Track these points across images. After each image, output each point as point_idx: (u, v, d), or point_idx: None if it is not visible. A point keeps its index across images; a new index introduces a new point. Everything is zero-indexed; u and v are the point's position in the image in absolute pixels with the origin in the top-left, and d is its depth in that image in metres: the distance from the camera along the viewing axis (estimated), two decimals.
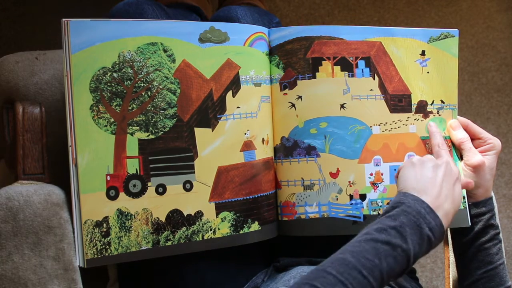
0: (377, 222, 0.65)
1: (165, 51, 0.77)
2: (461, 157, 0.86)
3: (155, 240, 0.76)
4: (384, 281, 0.60)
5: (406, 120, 0.85)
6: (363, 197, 0.84)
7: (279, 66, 0.84)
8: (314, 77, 0.83)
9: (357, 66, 0.84)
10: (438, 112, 0.87)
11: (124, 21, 0.76)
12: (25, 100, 0.82)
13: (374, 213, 0.83)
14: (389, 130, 0.85)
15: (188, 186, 0.78)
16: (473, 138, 0.85)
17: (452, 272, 0.89)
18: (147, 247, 0.76)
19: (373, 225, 0.65)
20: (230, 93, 0.81)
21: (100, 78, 0.74)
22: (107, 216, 0.74)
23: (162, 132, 0.77)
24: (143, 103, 0.77)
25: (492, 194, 0.85)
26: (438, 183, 0.69)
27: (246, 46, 0.82)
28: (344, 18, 1.74)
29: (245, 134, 0.81)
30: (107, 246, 0.74)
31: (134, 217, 0.75)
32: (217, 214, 0.79)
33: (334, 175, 0.83)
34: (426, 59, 0.86)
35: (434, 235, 0.65)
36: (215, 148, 0.80)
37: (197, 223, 0.78)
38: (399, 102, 0.85)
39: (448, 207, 0.68)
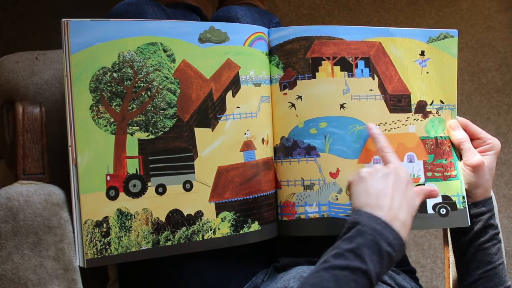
0: (334, 247, 0.64)
1: (165, 51, 0.77)
2: (460, 157, 0.86)
3: (155, 240, 0.76)
4: None
5: (406, 120, 0.85)
6: None
7: (279, 66, 0.84)
8: (314, 77, 0.83)
9: (356, 66, 0.84)
10: (437, 112, 0.87)
11: (124, 21, 0.76)
12: (25, 100, 0.82)
13: None
14: (389, 130, 0.85)
15: (188, 186, 0.78)
16: (473, 138, 0.85)
17: (452, 272, 0.89)
18: (147, 247, 0.76)
19: (331, 250, 0.64)
20: (230, 93, 0.81)
21: (100, 78, 0.74)
22: (107, 216, 0.74)
23: (162, 132, 0.77)
24: (143, 103, 0.77)
25: (492, 194, 0.86)
26: (390, 194, 0.68)
27: (246, 46, 0.82)
28: (344, 18, 1.74)
29: (245, 134, 0.81)
30: (107, 246, 0.74)
31: (134, 217, 0.75)
32: (217, 214, 0.79)
33: (334, 175, 0.83)
34: (426, 59, 0.86)
35: (394, 249, 0.64)
36: (215, 148, 0.80)
37: (197, 223, 0.78)
38: (398, 102, 0.86)
39: (404, 216, 0.67)
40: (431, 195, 0.76)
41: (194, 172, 0.78)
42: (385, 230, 0.64)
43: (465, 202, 0.84)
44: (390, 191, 0.68)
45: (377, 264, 0.62)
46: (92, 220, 0.73)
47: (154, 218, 0.76)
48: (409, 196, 0.70)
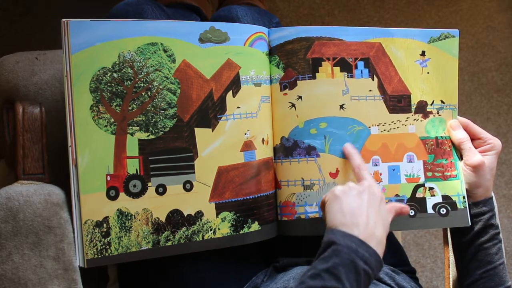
0: (311, 268, 0.64)
1: (165, 51, 0.77)
2: (461, 157, 0.86)
3: (155, 240, 0.76)
4: None
5: (406, 121, 0.85)
6: None
7: (279, 66, 0.84)
8: (314, 77, 0.83)
9: (356, 67, 0.84)
10: (438, 112, 0.87)
11: (124, 21, 0.76)
12: (25, 100, 0.82)
13: None
14: (388, 131, 0.85)
15: (188, 186, 0.78)
16: (473, 138, 0.85)
17: (452, 272, 0.89)
18: (147, 247, 0.76)
19: (308, 271, 0.64)
20: (230, 93, 0.81)
21: (100, 78, 0.74)
22: (107, 216, 0.74)
23: (162, 132, 0.77)
24: (143, 103, 0.77)
25: (492, 194, 0.85)
26: (365, 211, 0.68)
27: (246, 46, 0.82)
28: (344, 18, 1.74)
29: (245, 134, 0.81)
30: (107, 246, 0.74)
31: (134, 217, 0.75)
32: (217, 214, 0.79)
33: (333, 175, 0.83)
34: (426, 60, 0.86)
35: (370, 267, 0.64)
36: (215, 148, 0.80)
37: (197, 223, 0.78)
38: (398, 102, 0.86)
39: (380, 233, 0.68)
40: (402, 212, 0.76)
41: (194, 172, 0.78)
42: (360, 248, 0.64)
43: (465, 202, 0.84)
44: (365, 208, 0.68)
45: (354, 282, 0.62)
46: (92, 220, 0.73)
47: (154, 218, 0.76)
48: (383, 213, 0.71)
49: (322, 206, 0.74)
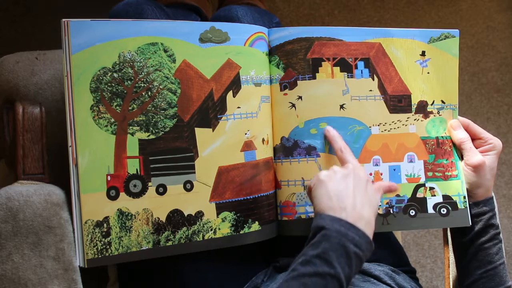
0: (302, 254, 0.64)
1: (165, 51, 0.77)
2: (461, 157, 0.86)
3: (155, 240, 0.76)
4: None
5: (406, 121, 0.85)
6: None
7: (279, 66, 0.84)
8: (314, 77, 0.83)
9: (356, 67, 0.84)
10: (438, 112, 0.87)
11: (124, 21, 0.76)
12: (25, 100, 0.82)
13: None
14: (388, 131, 0.85)
15: (188, 186, 0.78)
16: (474, 138, 0.85)
17: (452, 272, 0.89)
18: (147, 247, 0.76)
19: (298, 258, 0.64)
20: (230, 93, 0.81)
21: (101, 78, 0.74)
22: (108, 216, 0.74)
23: (162, 132, 0.77)
24: (144, 103, 0.77)
25: (493, 194, 0.85)
26: (351, 194, 0.68)
27: (246, 46, 0.82)
28: (344, 18, 1.74)
29: (246, 134, 0.81)
30: (108, 246, 0.74)
31: (135, 217, 0.75)
32: (217, 214, 0.79)
33: None
34: (426, 60, 0.86)
35: (361, 249, 0.64)
36: (216, 148, 0.80)
37: (198, 223, 0.78)
38: (398, 102, 0.86)
39: (368, 214, 0.67)
40: (390, 189, 0.77)
41: (194, 172, 0.78)
42: (350, 231, 0.64)
43: (466, 201, 0.84)
44: (351, 191, 0.68)
45: (345, 266, 0.62)
46: (93, 220, 0.73)
47: (155, 218, 0.76)
48: (370, 194, 0.70)
49: (309, 192, 0.73)
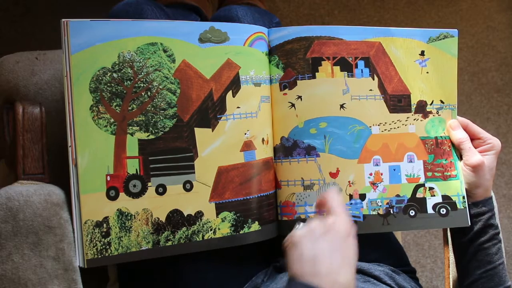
0: None
1: (165, 51, 0.77)
2: (460, 157, 0.86)
3: (155, 240, 0.76)
4: None
5: (406, 120, 0.85)
6: (362, 197, 0.84)
7: (278, 66, 0.84)
8: (314, 77, 0.83)
9: (356, 66, 0.84)
10: (437, 112, 0.87)
11: (123, 21, 0.76)
12: (25, 100, 0.82)
13: (374, 212, 0.84)
14: (389, 130, 0.85)
15: (188, 186, 0.78)
16: (473, 138, 0.85)
17: (452, 272, 0.89)
18: (147, 247, 0.76)
19: None
20: (230, 93, 0.81)
21: (100, 78, 0.74)
22: (107, 216, 0.74)
23: (162, 132, 0.77)
24: (143, 103, 0.77)
25: (492, 194, 0.86)
26: (327, 256, 0.61)
27: (246, 46, 0.82)
28: (344, 18, 1.74)
29: (245, 134, 0.81)
30: (107, 246, 0.74)
31: (134, 217, 0.75)
32: (217, 214, 0.79)
33: (333, 175, 0.83)
34: (426, 59, 0.86)
35: None
36: (215, 148, 0.80)
37: (197, 223, 0.78)
38: (398, 102, 0.86)
39: (346, 278, 0.61)
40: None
41: (194, 172, 0.78)
42: None
43: (465, 202, 0.84)
44: (327, 253, 0.62)
45: None
46: (92, 221, 0.73)
47: (154, 218, 0.76)
48: (350, 251, 0.64)
49: (284, 251, 0.66)
